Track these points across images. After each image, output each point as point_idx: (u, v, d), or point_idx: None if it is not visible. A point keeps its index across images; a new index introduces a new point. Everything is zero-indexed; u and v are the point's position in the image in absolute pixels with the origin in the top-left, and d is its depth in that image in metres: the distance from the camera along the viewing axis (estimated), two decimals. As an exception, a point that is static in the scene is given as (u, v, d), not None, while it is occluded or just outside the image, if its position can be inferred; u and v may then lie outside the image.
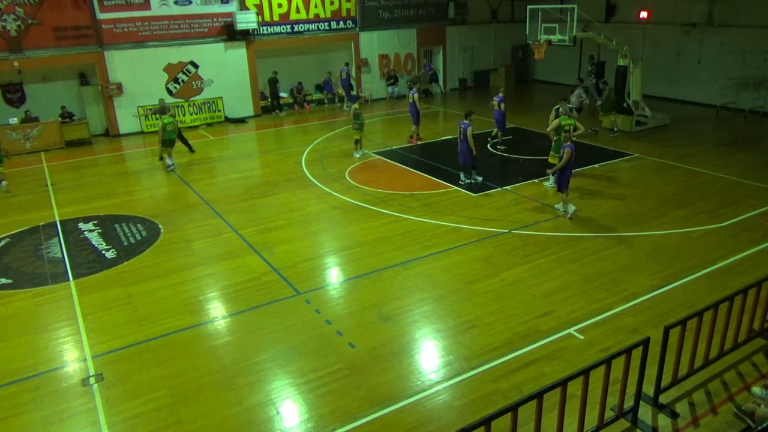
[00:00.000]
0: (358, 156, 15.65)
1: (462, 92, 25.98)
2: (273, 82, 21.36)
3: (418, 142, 16.92)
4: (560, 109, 12.92)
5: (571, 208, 11.02)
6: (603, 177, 13.35)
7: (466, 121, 12.45)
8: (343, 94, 22.87)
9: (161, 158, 15.59)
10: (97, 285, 9.11)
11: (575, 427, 5.33)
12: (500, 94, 15.72)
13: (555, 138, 12.31)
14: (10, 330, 7.94)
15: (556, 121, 12.25)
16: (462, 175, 13.28)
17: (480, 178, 13.12)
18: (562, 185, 10.98)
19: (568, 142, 10.79)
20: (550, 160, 12.57)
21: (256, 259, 9.79)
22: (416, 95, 16.30)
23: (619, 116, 17.13)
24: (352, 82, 22.90)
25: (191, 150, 16.83)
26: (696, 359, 6.14)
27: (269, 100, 21.83)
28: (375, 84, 23.93)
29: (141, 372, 6.86)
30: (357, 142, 15.74)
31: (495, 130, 16.36)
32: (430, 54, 25.62)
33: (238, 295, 8.64)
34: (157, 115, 14.86)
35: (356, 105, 15.47)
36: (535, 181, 13.18)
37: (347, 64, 22.62)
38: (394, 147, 16.59)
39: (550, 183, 12.74)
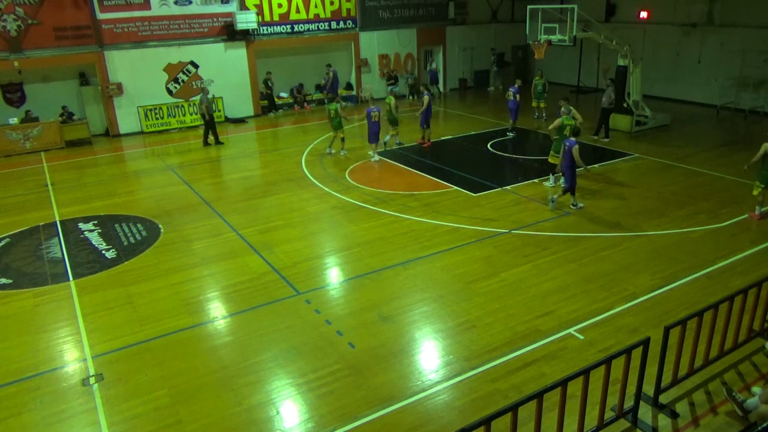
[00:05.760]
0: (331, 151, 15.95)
1: (462, 92, 25.99)
2: (266, 83, 21.47)
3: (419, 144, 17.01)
4: (562, 109, 12.97)
5: (375, 155, 15.20)
6: (603, 177, 13.34)
7: (572, 140, 11.03)
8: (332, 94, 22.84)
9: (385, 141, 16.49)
10: (97, 285, 9.11)
11: (575, 427, 5.33)
12: (516, 86, 17.29)
13: (556, 137, 12.32)
14: (10, 330, 7.94)
15: (559, 120, 12.28)
16: (573, 199, 11.56)
17: (582, 205, 11.50)
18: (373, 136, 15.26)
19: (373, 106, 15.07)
20: (550, 159, 12.59)
21: (256, 259, 9.79)
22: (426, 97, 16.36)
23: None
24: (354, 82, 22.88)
25: (210, 143, 17.97)
26: (696, 359, 6.14)
27: (266, 100, 21.90)
28: (375, 84, 23.92)
29: (141, 372, 6.86)
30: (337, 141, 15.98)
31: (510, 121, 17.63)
32: (430, 54, 25.61)
33: (238, 295, 8.64)
34: (389, 96, 16.30)
35: (332, 105, 15.59)
36: (535, 181, 13.18)
37: (330, 65, 22.58)
38: (394, 147, 16.59)
39: (550, 183, 12.77)
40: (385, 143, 16.43)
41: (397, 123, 16.36)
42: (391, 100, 16.13)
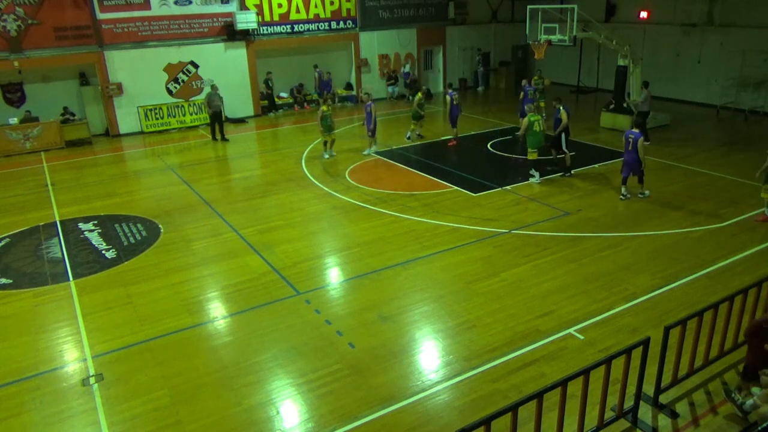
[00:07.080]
0: (326, 157, 15.72)
1: (462, 92, 25.96)
2: (266, 83, 21.47)
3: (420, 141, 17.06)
4: (525, 107, 13.22)
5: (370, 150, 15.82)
6: (603, 177, 13.34)
7: (635, 131, 11.30)
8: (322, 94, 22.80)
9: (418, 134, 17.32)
10: (97, 285, 9.11)
11: (575, 427, 5.33)
12: (533, 84, 17.68)
13: (530, 135, 12.71)
14: (10, 330, 7.94)
15: (525, 120, 12.71)
16: (623, 189, 11.82)
17: (648, 192, 11.86)
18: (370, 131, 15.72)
19: (368, 101, 15.68)
20: (529, 156, 12.88)
21: (256, 259, 9.79)
22: (455, 95, 16.41)
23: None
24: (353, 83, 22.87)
25: (221, 137, 18.46)
26: (696, 359, 6.14)
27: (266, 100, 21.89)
28: (375, 84, 23.91)
29: (141, 372, 6.86)
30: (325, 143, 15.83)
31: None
32: (430, 54, 25.62)
33: (238, 295, 8.64)
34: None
35: (324, 107, 15.41)
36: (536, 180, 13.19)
37: (316, 66, 22.55)
38: (394, 147, 16.60)
39: (536, 180, 12.97)
40: (408, 138, 17.24)
41: (419, 118, 16.99)
42: (419, 96, 16.80)
